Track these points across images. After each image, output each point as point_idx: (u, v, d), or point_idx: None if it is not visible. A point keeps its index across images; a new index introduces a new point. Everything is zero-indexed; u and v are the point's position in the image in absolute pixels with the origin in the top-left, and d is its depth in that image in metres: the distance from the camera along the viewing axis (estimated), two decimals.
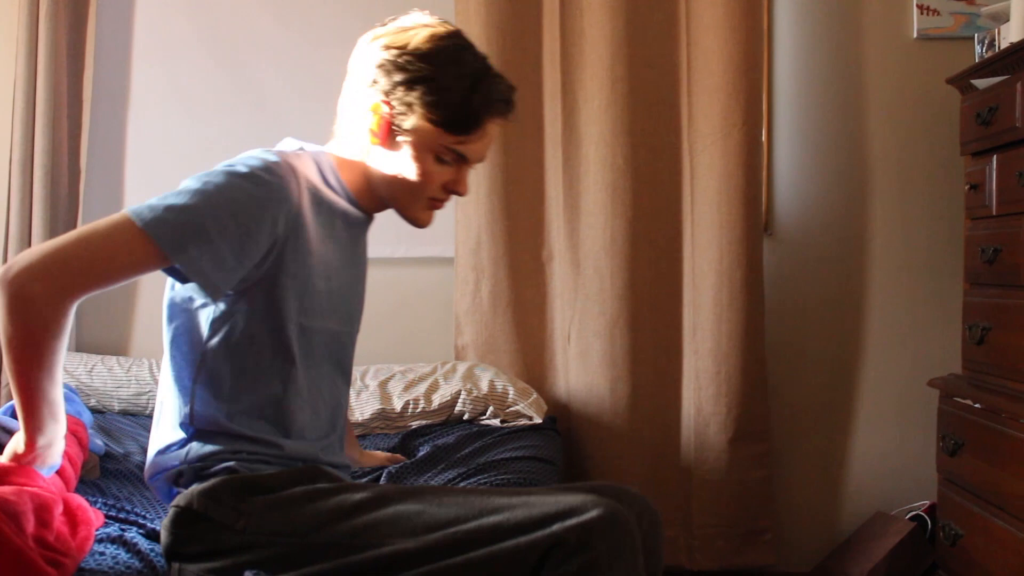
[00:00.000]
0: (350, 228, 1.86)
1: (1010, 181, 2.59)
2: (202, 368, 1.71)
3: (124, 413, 3.07)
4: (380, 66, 1.73)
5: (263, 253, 1.65)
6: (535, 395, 2.99)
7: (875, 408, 3.37)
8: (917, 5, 3.29)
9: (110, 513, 1.96)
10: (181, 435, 1.74)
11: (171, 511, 1.65)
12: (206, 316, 1.71)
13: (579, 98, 3.22)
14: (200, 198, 1.59)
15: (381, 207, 1.87)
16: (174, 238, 1.55)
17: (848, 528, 3.35)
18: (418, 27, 1.77)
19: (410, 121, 1.71)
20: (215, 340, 1.70)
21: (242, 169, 1.65)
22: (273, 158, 1.69)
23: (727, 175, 3.14)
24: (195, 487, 1.65)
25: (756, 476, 3.22)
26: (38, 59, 3.28)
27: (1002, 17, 2.89)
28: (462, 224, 3.26)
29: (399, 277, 3.36)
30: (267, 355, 1.71)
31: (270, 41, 3.40)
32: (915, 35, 3.30)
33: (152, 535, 1.83)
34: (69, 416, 2.30)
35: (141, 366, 3.13)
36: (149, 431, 2.79)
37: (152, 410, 3.02)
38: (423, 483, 2.23)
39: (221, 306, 1.69)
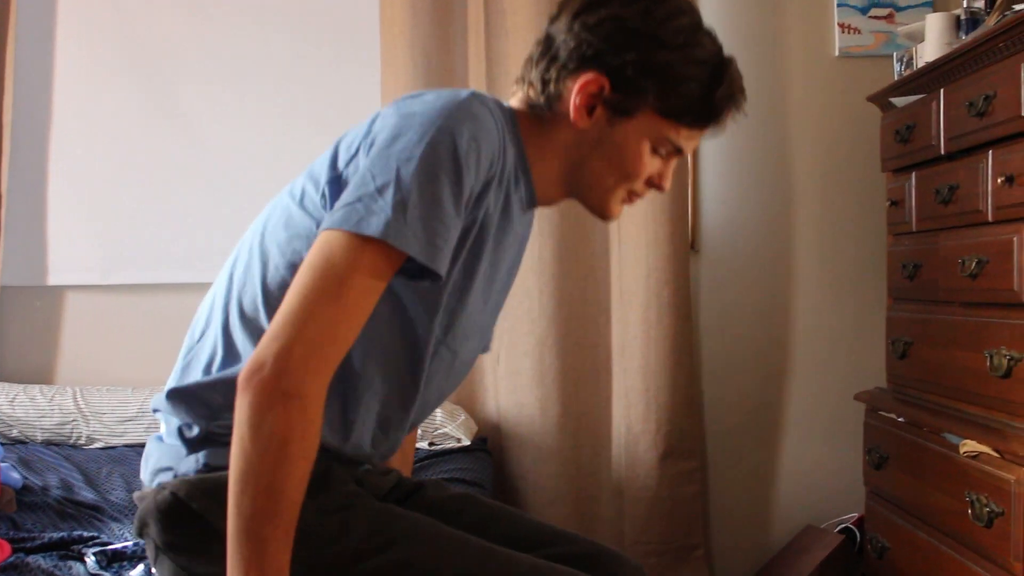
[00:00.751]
0: (523, 217, 1.59)
1: (928, 198, 2.63)
2: None
3: (47, 443, 3.02)
4: (605, 39, 1.44)
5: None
6: (463, 416, 2.98)
7: (804, 422, 3.40)
8: (839, 24, 3.34)
9: (21, 545, 1.92)
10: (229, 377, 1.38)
11: (164, 495, 1.38)
12: None
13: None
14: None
15: (556, 198, 1.59)
16: (423, 240, 1.30)
17: (779, 542, 3.38)
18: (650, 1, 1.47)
19: (636, 106, 1.45)
20: None
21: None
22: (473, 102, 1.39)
23: (653, 193, 3.14)
24: (194, 477, 1.39)
25: (687, 492, 3.23)
26: None
27: (918, 36, 2.94)
28: None
29: None
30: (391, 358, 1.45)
31: (193, 61, 3.37)
32: (837, 53, 3.35)
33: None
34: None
35: (64, 395, 3.08)
36: (71, 461, 2.77)
37: (76, 439, 3.00)
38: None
39: None
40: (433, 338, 1.45)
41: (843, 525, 3.21)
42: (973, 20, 2.63)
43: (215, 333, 1.46)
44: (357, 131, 1.43)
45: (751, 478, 3.42)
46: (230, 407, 1.27)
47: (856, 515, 3.19)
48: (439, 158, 1.31)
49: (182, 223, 3.35)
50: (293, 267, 1.39)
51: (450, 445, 2.87)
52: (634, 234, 3.18)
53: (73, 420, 3.02)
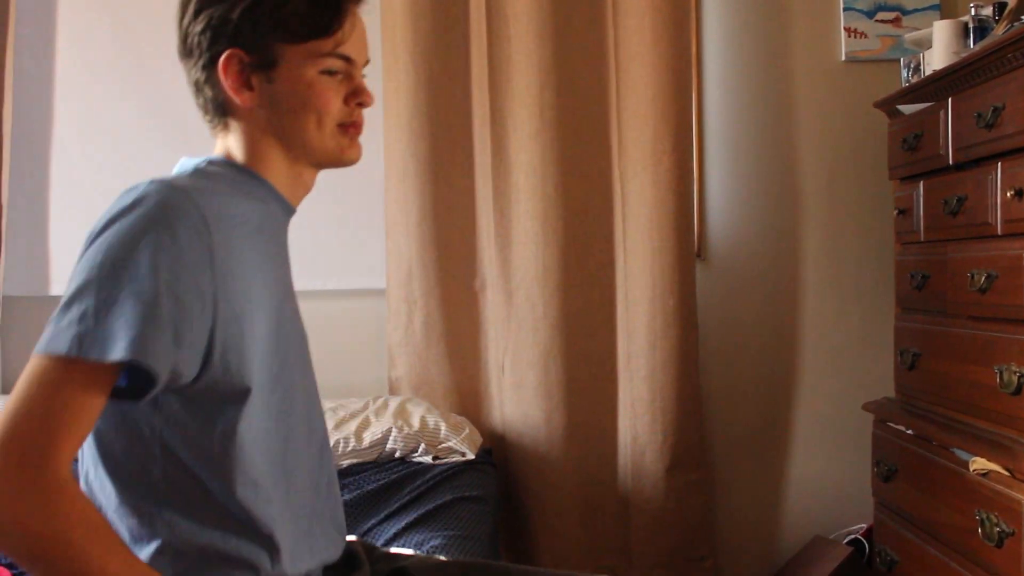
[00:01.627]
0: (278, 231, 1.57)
1: (936, 208, 2.60)
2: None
3: None
4: (209, 19, 1.44)
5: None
6: (468, 429, 2.96)
7: (812, 431, 3.37)
8: (845, 28, 3.30)
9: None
10: None
11: None
12: None
13: (508, 126, 3.19)
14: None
15: (307, 179, 1.56)
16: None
17: (787, 553, 3.35)
18: None
19: (271, 54, 1.43)
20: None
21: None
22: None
23: (658, 202, 3.13)
24: None
25: (694, 503, 3.21)
26: None
27: (925, 43, 2.90)
28: (393, 254, 3.23)
29: (330, 310, 3.31)
30: None
31: None
32: (843, 58, 3.31)
33: None
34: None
35: None
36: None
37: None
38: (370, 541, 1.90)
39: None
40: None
41: (852, 536, 3.18)
42: (981, 28, 2.59)
43: None
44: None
45: (759, 488, 3.39)
46: None
47: (865, 526, 3.16)
48: (140, 277, 1.26)
49: None
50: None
51: (455, 459, 2.85)
52: (639, 243, 3.15)
53: None
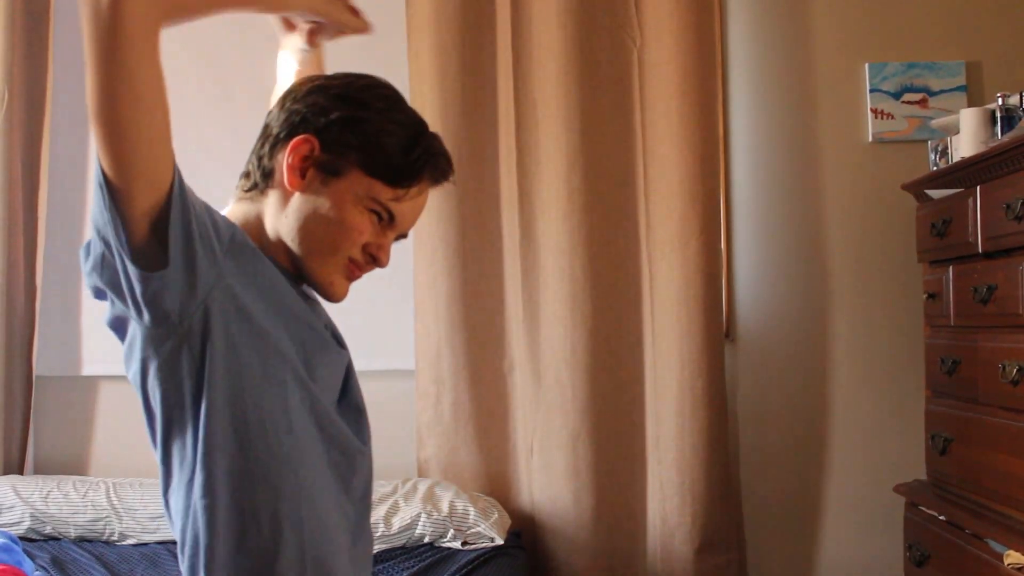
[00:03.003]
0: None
1: (967, 294, 2.60)
2: None
3: (80, 540, 3.01)
4: (311, 105, 1.49)
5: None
6: (496, 514, 2.96)
7: (843, 513, 3.34)
8: (871, 109, 3.32)
9: None
10: None
11: None
12: None
13: (536, 208, 3.22)
14: None
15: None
16: None
17: None
18: (354, 75, 1.55)
19: (343, 164, 1.46)
20: None
21: None
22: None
23: (686, 283, 3.14)
24: None
25: None
26: None
27: (952, 129, 2.91)
28: (422, 335, 3.24)
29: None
30: None
31: (223, 147, 3.37)
32: (870, 139, 3.33)
33: None
34: (8, 567, 2.27)
35: (97, 491, 3.07)
36: (103, 562, 2.76)
37: (109, 536, 3.00)
38: None
39: None
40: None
41: None
42: (1009, 118, 2.61)
43: None
44: None
45: (790, 570, 3.36)
46: None
47: None
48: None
49: None
50: None
51: (483, 544, 2.84)
52: (667, 324, 3.16)
53: (106, 516, 3.02)
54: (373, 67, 3.37)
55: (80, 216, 3.40)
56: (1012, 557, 2.27)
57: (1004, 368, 2.36)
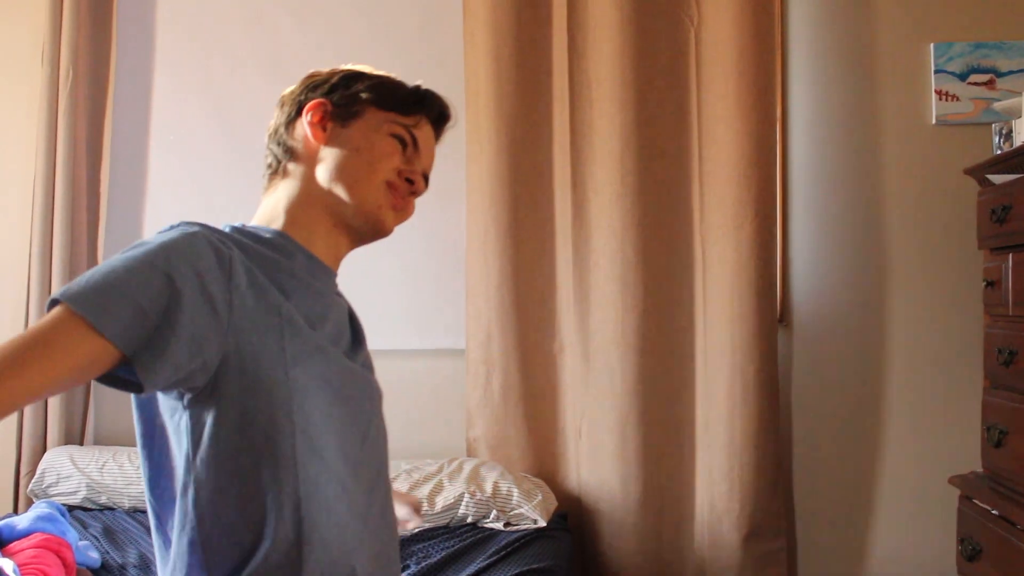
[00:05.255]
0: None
1: None
2: None
3: (134, 510, 3.08)
4: (309, 80, 1.63)
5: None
6: (541, 495, 2.96)
7: (896, 502, 3.28)
8: (936, 90, 3.23)
9: None
10: None
11: None
12: None
13: (589, 189, 3.20)
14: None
15: (333, 259, 1.60)
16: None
17: None
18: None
19: (356, 108, 1.57)
20: None
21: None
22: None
23: (740, 267, 3.09)
24: None
25: (772, 573, 3.15)
26: (57, 154, 3.33)
27: (1016, 111, 2.83)
28: (472, 316, 3.25)
29: (411, 369, 3.35)
30: None
31: None
32: (934, 121, 3.24)
33: None
34: (52, 536, 2.32)
35: None
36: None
37: None
38: None
39: None
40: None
41: None
42: None
43: None
44: None
45: (840, 560, 3.31)
46: None
47: None
48: (149, 262, 1.32)
49: None
50: None
51: (526, 526, 2.84)
52: (719, 308, 3.12)
53: None
54: (429, 49, 3.42)
55: (140, 192, 3.46)
56: None
57: None
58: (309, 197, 1.56)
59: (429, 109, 1.62)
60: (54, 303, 1.26)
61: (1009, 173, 2.74)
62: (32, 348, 1.22)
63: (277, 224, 1.57)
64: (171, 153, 3.47)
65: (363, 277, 3.38)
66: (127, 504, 3.08)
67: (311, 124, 1.56)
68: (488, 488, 2.90)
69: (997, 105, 3.03)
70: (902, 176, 3.27)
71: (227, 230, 1.55)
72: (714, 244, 3.14)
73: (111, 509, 3.08)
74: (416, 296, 3.39)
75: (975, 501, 2.77)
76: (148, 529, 2.89)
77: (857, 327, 3.29)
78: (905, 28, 3.28)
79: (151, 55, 3.47)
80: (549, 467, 3.25)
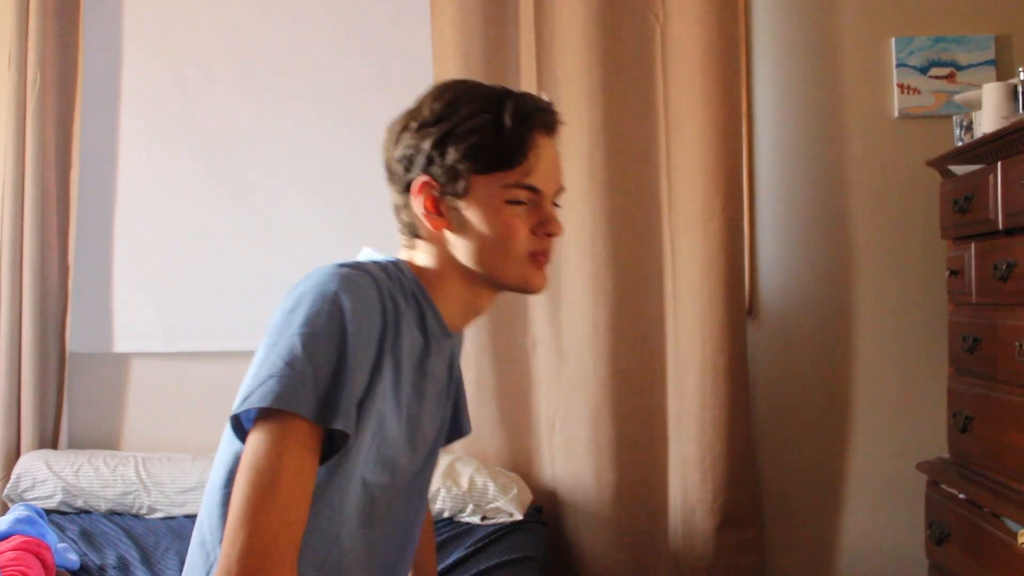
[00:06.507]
0: (441, 357, 1.62)
1: (987, 272, 2.58)
2: None
3: (110, 513, 3.09)
4: (407, 149, 1.53)
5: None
6: (516, 489, 2.98)
7: (865, 490, 3.33)
8: (898, 84, 3.28)
9: None
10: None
11: None
12: None
13: None
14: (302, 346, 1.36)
15: (483, 306, 1.61)
16: (315, 402, 1.34)
17: None
18: (423, 94, 1.57)
19: (461, 183, 1.49)
20: None
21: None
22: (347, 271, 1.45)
23: (708, 260, 3.13)
24: None
25: (745, 562, 3.19)
26: (26, 159, 3.32)
27: (975, 103, 2.88)
28: None
29: None
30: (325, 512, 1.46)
31: (253, 134, 3.43)
32: (896, 114, 3.29)
33: None
34: (32, 538, 2.33)
35: (127, 465, 3.14)
36: (131, 535, 2.83)
37: (138, 509, 3.08)
38: None
39: None
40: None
41: None
42: None
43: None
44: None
45: (811, 547, 3.36)
46: None
47: None
48: (321, 323, 1.37)
49: (244, 291, 3.40)
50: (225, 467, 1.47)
51: (503, 520, 2.87)
52: (689, 301, 3.16)
53: (135, 490, 3.09)
54: (398, 47, 3.43)
55: (110, 195, 3.46)
56: None
57: (1020, 346, 2.34)
58: (444, 269, 1.55)
59: (532, 132, 1.51)
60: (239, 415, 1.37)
61: (970, 164, 2.80)
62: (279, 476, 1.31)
63: (420, 270, 1.57)
64: (141, 156, 3.46)
65: None
66: (104, 507, 3.09)
67: (426, 215, 1.52)
68: (464, 483, 2.92)
69: (957, 98, 3.09)
70: (866, 168, 3.32)
71: (376, 268, 1.51)
72: (683, 238, 3.18)
73: (87, 512, 3.08)
74: None
75: (942, 486, 2.83)
76: (125, 531, 2.90)
77: (824, 317, 3.34)
78: (867, 23, 3.33)
79: (119, 58, 3.47)
80: (524, 461, 3.28)
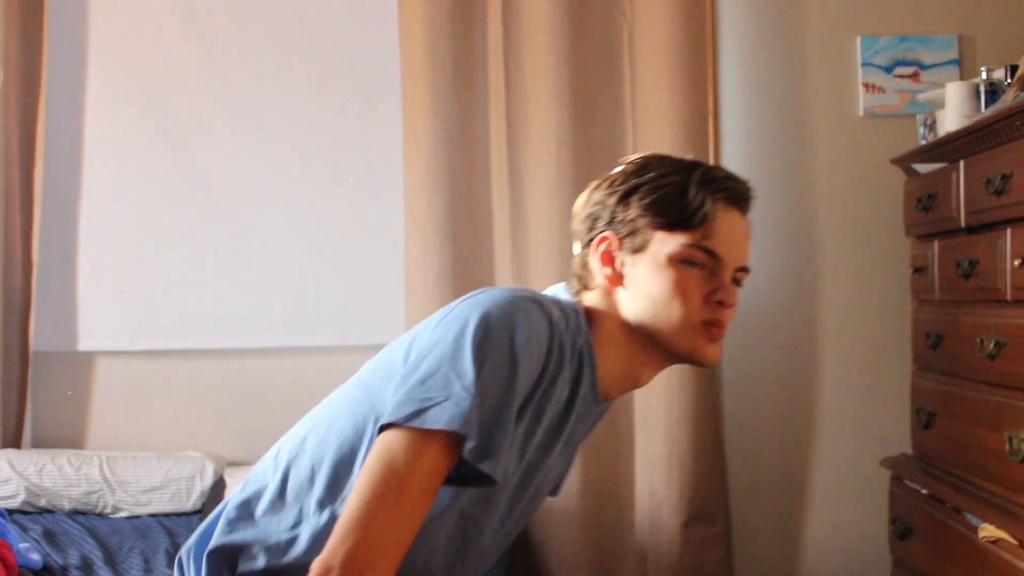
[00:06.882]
0: (584, 419, 1.61)
1: (950, 269, 2.60)
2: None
3: (74, 512, 3.07)
4: (596, 205, 1.56)
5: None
6: None
7: (830, 486, 3.35)
8: (863, 83, 3.31)
9: None
10: (295, 517, 1.50)
11: None
12: None
13: (526, 184, 3.22)
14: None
15: (626, 386, 1.61)
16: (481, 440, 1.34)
17: None
18: (625, 162, 1.60)
19: (639, 238, 1.51)
20: None
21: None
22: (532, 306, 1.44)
23: None
24: None
25: (711, 558, 3.20)
26: None
27: (939, 102, 2.91)
28: (412, 311, 3.25)
29: (350, 365, 3.32)
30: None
31: (219, 129, 3.42)
32: (861, 113, 3.32)
33: None
34: None
35: (91, 464, 3.12)
36: (95, 535, 2.81)
37: (102, 508, 3.05)
38: None
39: None
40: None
41: None
42: (992, 92, 2.60)
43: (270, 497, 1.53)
44: (425, 325, 1.48)
45: (777, 543, 3.38)
46: None
47: None
48: (495, 353, 1.36)
49: (209, 289, 3.39)
50: (342, 450, 1.47)
51: None
52: None
53: (99, 490, 3.07)
54: (364, 43, 3.43)
55: (75, 194, 3.42)
56: (987, 530, 2.28)
57: (982, 342, 2.36)
58: (616, 326, 1.54)
59: (716, 198, 1.51)
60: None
61: (934, 163, 2.82)
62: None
63: (592, 321, 1.56)
64: (106, 154, 3.43)
65: (301, 273, 3.39)
66: (67, 507, 3.06)
67: (600, 268, 1.54)
68: None
69: (921, 97, 3.11)
70: (831, 166, 3.34)
71: (558, 311, 1.51)
72: None
73: (51, 512, 3.06)
74: (354, 292, 3.40)
75: (906, 482, 2.85)
76: (89, 530, 2.88)
77: (790, 314, 3.36)
78: (833, 22, 3.35)
79: (84, 55, 3.44)
80: None
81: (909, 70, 3.31)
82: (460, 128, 3.23)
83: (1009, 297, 2.28)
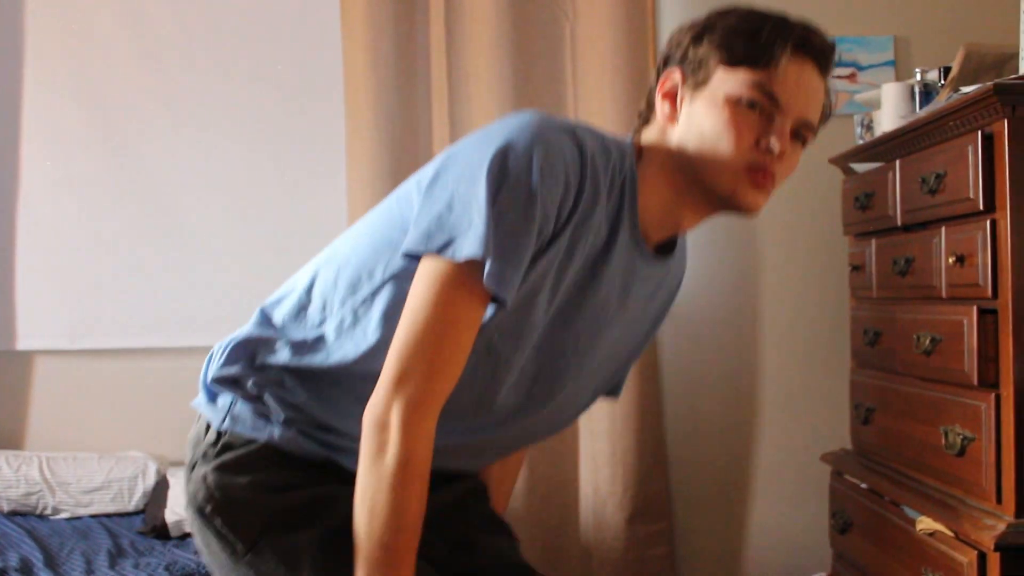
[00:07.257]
0: (634, 258, 1.55)
1: (887, 267, 2.65)
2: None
3: (13, 513, 3.02)
4: (673, 44, 1.52)
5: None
6: None
7: (772, 481, 3.40)
8: None
9: None
10: (320, 316, 1.51)
11: (196, 496, 1.50)
12: None
13: None
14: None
15: (667, 225, 1.56)
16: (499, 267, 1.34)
17: None
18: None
19: (703, 72, 1.46)
20: None
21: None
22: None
23: None
24: (219, 492, 1.48)
25: (656, 554, 3.24)
26: None
27: (875, 103, 2.96)
28: None
29: None
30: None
31: (160, 125, 3.39)
32: None
33: None
34: None
35: (31, 465, 3.09)
36: (34, 536, 2.77)
37: (42, 510, 3.02)
38: None
39: None
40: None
41: None
42: (927, 93, 2.65)
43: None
44: (463, 143, 1.47)
45: (720, 538, 3.42)
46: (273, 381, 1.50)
47: (824, 574, 3.19)
48: (513, 180, 1.35)
49: (150, 288, 3.36)
50: (374, 248, 1.48)
51: None
52: None
53: (39, 491, 3.04)
54: (306, 41, 3.41)
55: (13, 190, 3.37)
56: (923, 523, 2.33)
57: (918, 339, 2.41)
58: (662, 156, 1.50)
59: (787, 44, 1.43)
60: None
61: (871, 162, 2.87)
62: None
63: (639, 153, 1.53)
64: (45, 151, 3.38)
65: (242, 272, 3.36)
66: (6, 508, 3.03)
67: (660, 104, 1.51)
68: None
69: (858, 97, 3.16)
70: None
71: (597, 141, 1.47)
72: None
73: None
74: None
75: (845, 476, 2.90)
76: (28, 532, 2.84)
77: (731, 312, 3.40)
78: None
79: (21, 51, 3.39)
80: None
81: (846, 71, 3.36)
82: (404, 128, 3.23)
83: (944, 294, 2.33)
